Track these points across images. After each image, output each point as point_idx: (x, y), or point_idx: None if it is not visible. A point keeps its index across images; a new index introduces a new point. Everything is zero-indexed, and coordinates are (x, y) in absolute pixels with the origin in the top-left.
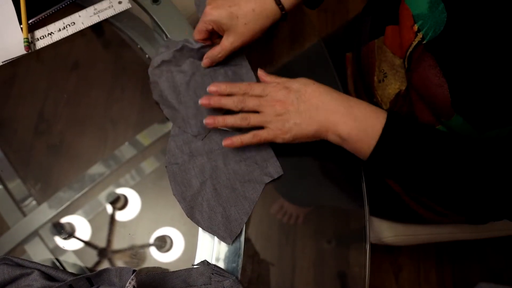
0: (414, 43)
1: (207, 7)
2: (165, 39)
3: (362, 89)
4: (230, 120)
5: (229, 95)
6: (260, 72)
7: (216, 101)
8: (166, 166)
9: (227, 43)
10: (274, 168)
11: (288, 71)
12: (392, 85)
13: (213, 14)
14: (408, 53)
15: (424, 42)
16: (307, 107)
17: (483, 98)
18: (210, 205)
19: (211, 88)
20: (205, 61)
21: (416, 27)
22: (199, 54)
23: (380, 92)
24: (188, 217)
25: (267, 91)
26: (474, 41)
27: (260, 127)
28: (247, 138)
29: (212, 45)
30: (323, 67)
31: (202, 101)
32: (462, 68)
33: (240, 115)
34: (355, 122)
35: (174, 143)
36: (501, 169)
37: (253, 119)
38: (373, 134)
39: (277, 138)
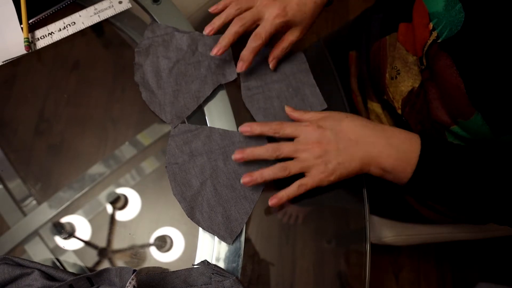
0: (429, 42)
1: (272, 9)
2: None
3: (370, 87)
4: (268, 173)
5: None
6: (288, 109)
7: (249, 154)
8: (166, 166)
9: (293, 38)
10: None
11: None
12: (405, 82)
13: (287, 15)
14: (424, 51)
15: (439, 41)
16: (346, 144)
17: (500, 100)
18: (210, 205)
19: (243, 128)
20: (273, 62)
21: (431, 25)
22: (188, 41)
23: (392, 89)
24: (189, 217)
25: (299, 132)
26: (492, 43)
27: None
28: (292, 191)
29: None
30: (323, 67)
31: (236, 156)
32: (480, 69)
33: (278, 166)
34: (397, 153)
35: (174, 143)
36: None
37: (293, 167)
38: (413, 162)
39: (322, 182)
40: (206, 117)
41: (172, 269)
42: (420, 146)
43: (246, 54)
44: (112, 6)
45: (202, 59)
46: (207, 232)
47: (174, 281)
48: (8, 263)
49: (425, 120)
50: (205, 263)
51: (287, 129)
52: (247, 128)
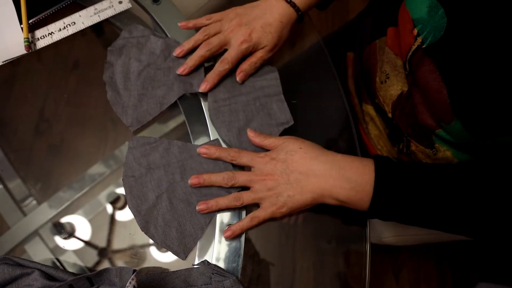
0: (414, 47)
1: (237, 35)
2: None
3: (364, 89)
4: (224, 202)
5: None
6: (251, 134)
7: (206, 180)
8: (122, 179)
9: (263, 55)
10: None
11: (288, 71)
12: (394, 86)
13: (252, 40)
14: (408, 57)
15: (424, 46)
16: (296, 177)
17: (481, 105)
18: (165, 220)
19: (201, 150)
20: (241, 75)
21: (415, 31)
22: (162, 46)
23: (382, 93)
24: (143, 231)
25: (254, 163)
26: (474, 48)
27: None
28: (245, 223)
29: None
30: (323, 67)
31: (192, 181)
32: (462, 74)
33: (232, 195)
34: (349, 184)
35: (131, 156)
36: (492, 188)
37: (246, 198)
38: (368, 190)
39: (275, 214)
40: (204, 109)
41: (172, 269)
42: (374, 173)
43: (212, 76)
44: (112, 6)
45: (173, 66)
46: (207, 232)
47: (174, 281)
48: (8, 263)
49: (414, 123)
50: (205, 263)
51: (244, 159)
52: (205, 150)
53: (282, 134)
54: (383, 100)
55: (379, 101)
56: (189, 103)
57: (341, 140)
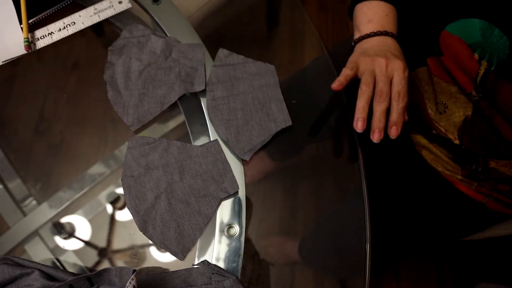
0: (481, 72)
1: (397, 66)
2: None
3: (415, 124)
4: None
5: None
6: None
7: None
8: (121, 179)
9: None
10: (230, 183)
11: (288, 71)
12: (456, 114)
13: (403, 61)
14: (478, 82)
15: (492, 68)
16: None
17: None
18: (163, 220)
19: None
20: (337, 84)
21: (476, 56)
22: (163, 46)
23: (444, 123)
24: (141, 231)
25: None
26: None
27: None
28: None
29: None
30: (323, 67)
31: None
32: None
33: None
34: None
35: (131, 156)
36: None
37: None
38: None
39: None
40: (203, 105)
41: (172, 269)
42: None
43: (397, 116)
44: (112, 6)
45: (174, 65)
46: (207, 232)
47: (174, 281)
48: (8, 263)
49: (491, 144)
50: (205, 263)
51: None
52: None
53: (281, 133)
54: (446, 130)
55: (440, 131)
56: (189, 103)
57: (341, 141)
